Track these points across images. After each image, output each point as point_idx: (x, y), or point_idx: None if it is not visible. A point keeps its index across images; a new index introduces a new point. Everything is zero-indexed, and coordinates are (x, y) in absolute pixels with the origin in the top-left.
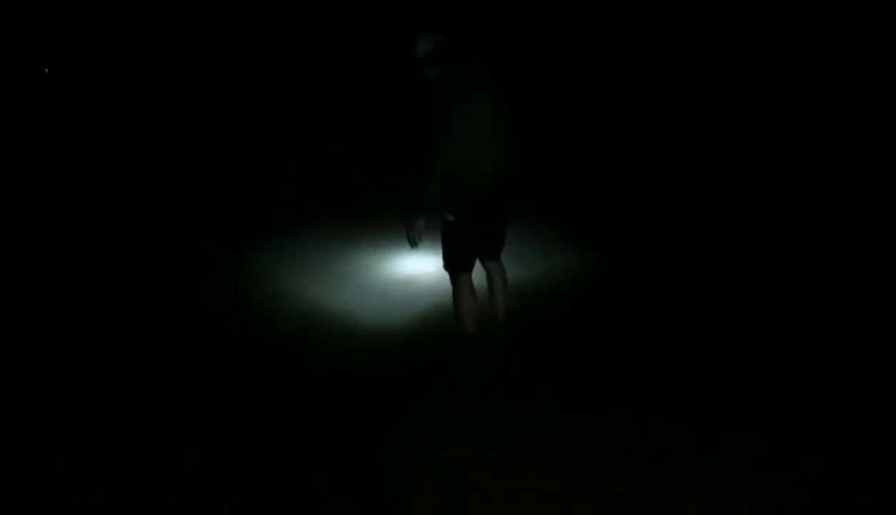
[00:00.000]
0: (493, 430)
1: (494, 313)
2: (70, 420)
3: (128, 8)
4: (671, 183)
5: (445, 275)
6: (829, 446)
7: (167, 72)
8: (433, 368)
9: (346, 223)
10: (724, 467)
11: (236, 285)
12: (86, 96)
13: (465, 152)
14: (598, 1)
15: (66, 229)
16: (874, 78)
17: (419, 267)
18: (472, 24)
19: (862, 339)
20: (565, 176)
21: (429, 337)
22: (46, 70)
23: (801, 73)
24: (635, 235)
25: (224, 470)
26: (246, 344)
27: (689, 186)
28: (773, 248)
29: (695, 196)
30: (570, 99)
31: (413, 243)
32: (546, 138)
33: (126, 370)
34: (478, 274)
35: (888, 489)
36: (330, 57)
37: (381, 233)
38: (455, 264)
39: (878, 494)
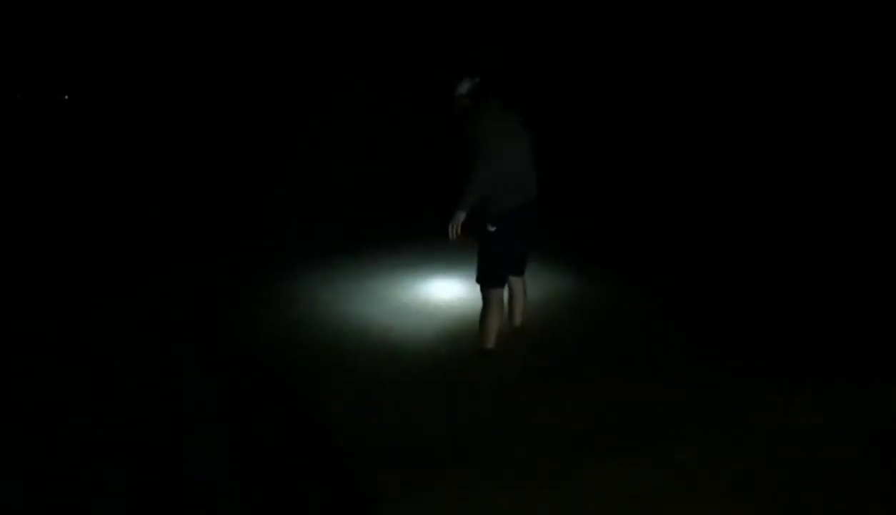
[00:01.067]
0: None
1: (512, 322)
2: (77, 421)
3: (128, 9)
4: (671, 183)
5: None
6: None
7: (167, 72)
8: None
9: (349, 228)
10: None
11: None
12: (86, 97)
13: (508, 165)
14: (598, 1)
15: (66, 229)
16: (874, 78)
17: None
18: (473, 24)
19: (862, 339)
20: (565, 176)
21: (452, 349)
22: (66, 96)
23: (802, 73)
24: (635, 235)
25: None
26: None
27: (689, 186)
28: (773, 248)
29: (695, 196)
30: (570, 99)
31: (452, 235)
32: (546, 138)
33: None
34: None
35: None
36: (330, 57)
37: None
38: (492, 279)
39: None
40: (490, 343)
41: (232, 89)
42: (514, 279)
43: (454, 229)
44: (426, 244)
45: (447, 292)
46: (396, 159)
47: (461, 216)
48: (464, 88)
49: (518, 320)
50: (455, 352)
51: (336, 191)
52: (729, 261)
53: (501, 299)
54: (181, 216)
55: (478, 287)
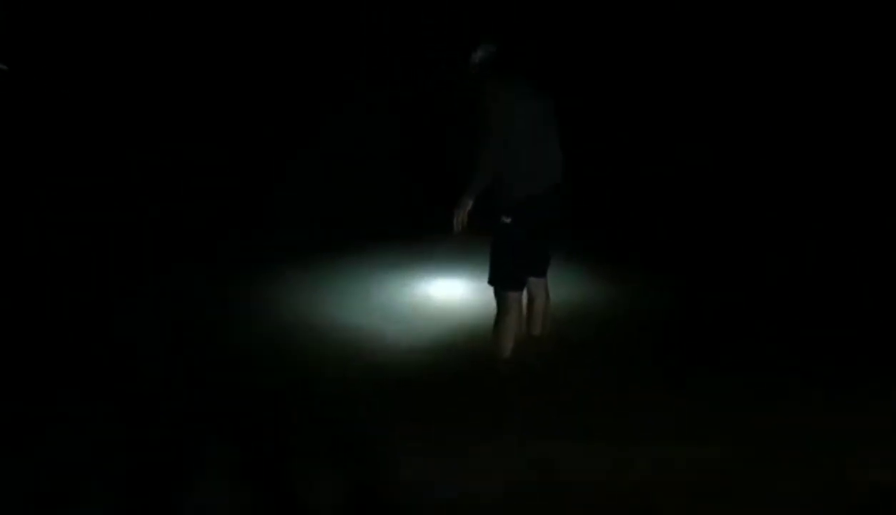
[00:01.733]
0: None
1: (531, 330)
2: (78, 421)
3: (128, 7)
4: (671, 183)
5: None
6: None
7: (167, 71)
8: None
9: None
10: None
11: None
12: (85, 96)
13: (522, 146)
14: (597, 1)
15: (66, 229)
16: (874, 78)
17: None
18: (473, 24)
19: (862, 339)
20: (565, 176)
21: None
22: (71, 96)
23: (802, 73)
24: (635, 235)
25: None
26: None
27: (689, 186)
28: (773, 248)
29: (695, 196)
30: (570, 99)
31: (456, 226)
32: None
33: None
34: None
35: None
36: (330, 57)
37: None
38: (506, 279)
39: None
40: (507, 352)
41: (232, 89)
42: (533, 281)
43: (459, 219)
44: (428, 244)
45: (453, 294)
46: (397, 159)
47: (467, 204)
48: (476, 56)
49: (537, 328)
50: (462, 361)
51: (336, 191)
52: (729, 261)
53: (519, 304)
54: (181, 216)
55: (491, 290)
